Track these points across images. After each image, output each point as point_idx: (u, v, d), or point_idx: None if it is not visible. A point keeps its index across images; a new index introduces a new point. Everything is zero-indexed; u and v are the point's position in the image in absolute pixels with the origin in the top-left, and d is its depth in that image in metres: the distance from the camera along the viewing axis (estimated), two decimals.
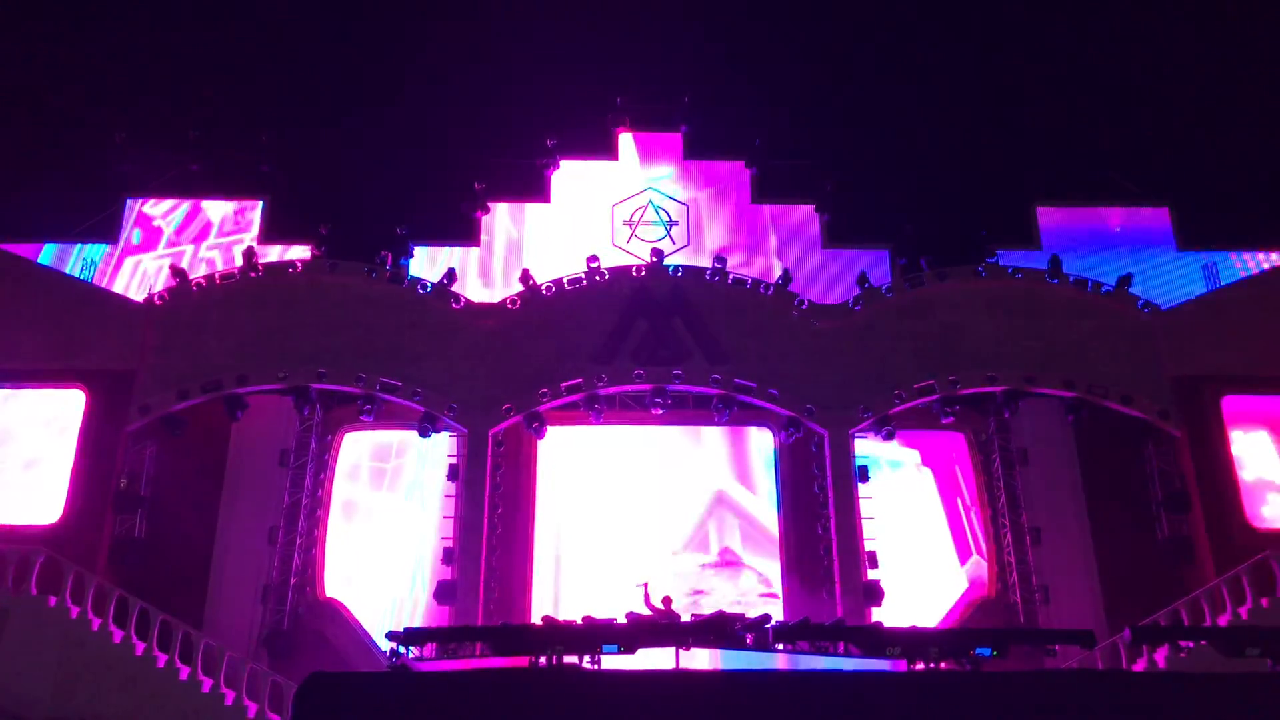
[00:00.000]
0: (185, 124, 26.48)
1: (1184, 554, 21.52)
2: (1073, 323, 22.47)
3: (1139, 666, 17.97)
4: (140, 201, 26.43)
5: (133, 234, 26.15)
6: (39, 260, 24.88)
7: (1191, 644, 15.77)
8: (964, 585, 22.61)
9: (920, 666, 10.03)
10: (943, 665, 10.71)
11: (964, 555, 22.95)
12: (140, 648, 18.24)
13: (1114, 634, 18.94)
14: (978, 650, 10.14)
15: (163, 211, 26.52)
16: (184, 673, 18.20)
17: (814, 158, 26.38)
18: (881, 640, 11.23)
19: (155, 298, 22.86)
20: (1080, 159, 26.12)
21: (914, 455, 23.73)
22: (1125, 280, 22.86)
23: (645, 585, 17.63)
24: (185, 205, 26.53)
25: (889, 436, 22.29)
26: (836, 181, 25.92)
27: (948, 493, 23.43)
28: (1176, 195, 25.88)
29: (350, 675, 12.17)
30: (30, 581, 18.09)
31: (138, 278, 25.67)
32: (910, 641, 10.62)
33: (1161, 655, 17.78)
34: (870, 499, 22.15)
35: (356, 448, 23.69)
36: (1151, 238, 25.78)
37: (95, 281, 25.11)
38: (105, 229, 25.97)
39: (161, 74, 27.25)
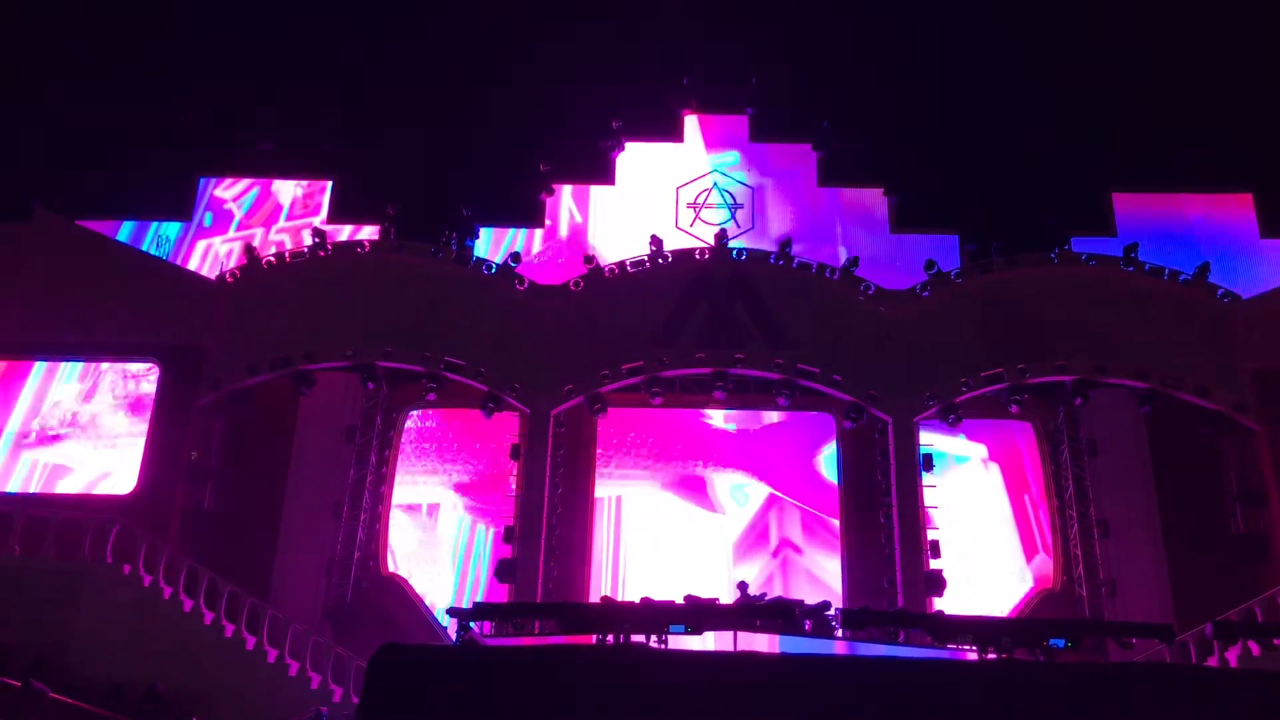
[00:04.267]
0: (257, 104, 26.86)
1: (1259, 551, 20.96)
2: (1148, 311, 21.92)
3: (1210, 664, 17.52)
4: (213, 183, 26.93)
5: (204, 217, 26.65)
6: (117, 237, 25.49)
7: (1276, 641, 15.36)
8: (1029, 583, 22.22)
9: (992, 656, 9.86)
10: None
11: (1030, 552, 22.56)
12: (209, 617, 18.65)
13: (1182, 630, 18.48)
14: (1051, 641, 9.92)
15: (233, 195, 27.00)
16: (250, 643, 18.58)
17: (882, 141, 25.97)
18: (950, 628, 11.05)
19: (227, 275, 23.29)
20: (1159, 144, 25.35)
21: (981, 450, 23.34)
22: (1204, 268, 22.21)
23: (744, 585, 17.59)
24: (255, 189, 26.98)
25: (955, 424, 21.93)
26: (905, 165, 25.51)
27: (1015, 488, 23.03)
28: (1260, 181, 25.07)
29: (421, 648, 12.28)
30: (106, 550, 18.58)
31: (209, 260, 26.17)
32: (981, 630, 10.43)
33: (1233, 654, 17.32)
34: (934, 487, 21.86)
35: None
36: (1233, 225, 25.03)
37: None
38: (180, 207, 26.51)
39: (233, 54, 27.61)
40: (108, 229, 25.34)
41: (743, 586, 17.29)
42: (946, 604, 20.62)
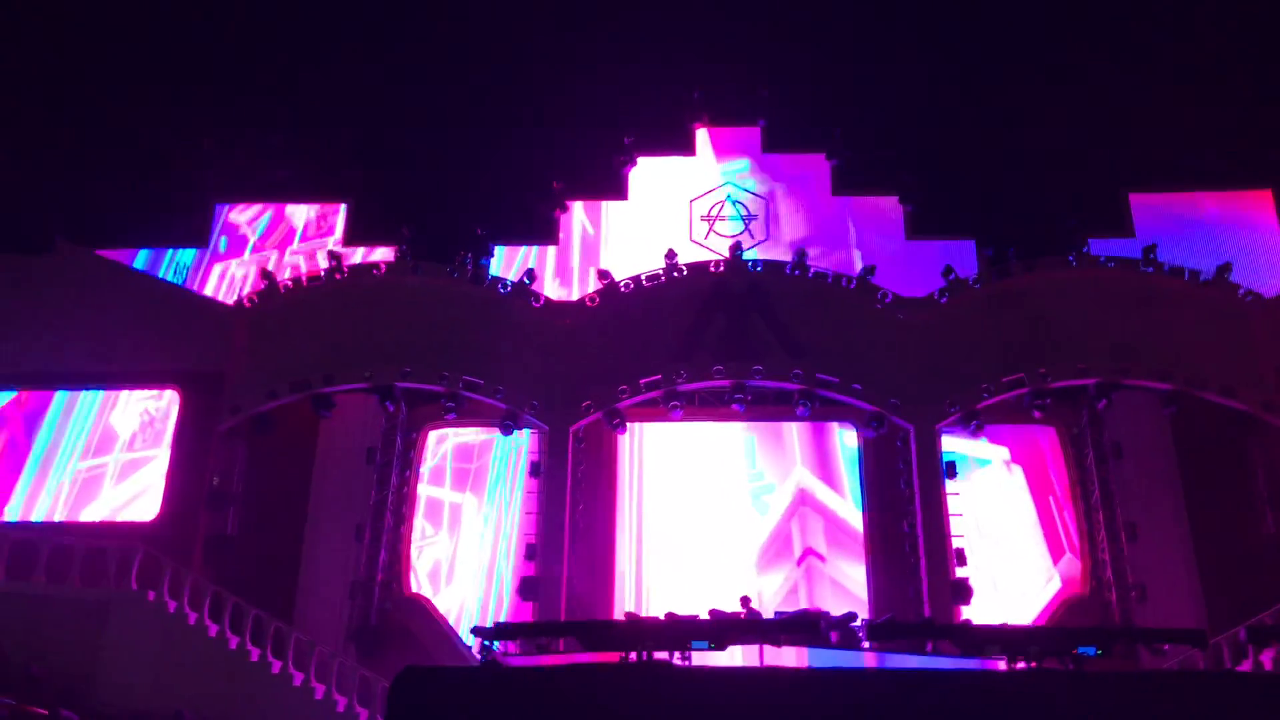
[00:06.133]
0: (271, 129, 27.06)
1: None
2: (1169, 312, 21.69)
3: (1244, 668, 17.26)
4: (228, 208, 27.12)
5: (219, 241, 26.83)
6: (134, 265, 25.68)
7: None
8: (1056, 585, 21.97)
9: (1020, 666, 9.72)
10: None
11: (1056, 554, 22.30)
12: (234, 642, 18.67)
13: (1215, 634, 18.20)
14: (1080, 649, 9.77)
15: (248, 219, 27.18)
16: (276, 667, 18.58)
17: (895, 148, 25.86)
18: (979, 638, 10.91)
19: (245, 300, 23.42)
20: (1175, 142, 25.13)
21: (1003, 452, 23.14)
22: (1225, 268, 21.97)
23: (746, 600, 17.40)
24: (269, 212, 27.15)
25: (977, 431, 21.77)
26: (919, 172, 25.40)
27: (1039, 490, 22.79)
28: (1279, 176, 24.81)
29: (443, 669, 12.25)
30: (130, 577, 18.65)
31: (225, 283, 26.32)
32: (1009, 640, 10.29)
33: (1268, 657, 17.05)
34: (958, 495, 21.68)
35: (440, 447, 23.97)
36: (1253, 222, 24.79)
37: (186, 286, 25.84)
38: (196, 234, 26.69)
39: (247, 81, 27.83)
40: (124, 257, 25.54)
41: (745, 601, 17.11)
42: (974, 611, 20.46)
